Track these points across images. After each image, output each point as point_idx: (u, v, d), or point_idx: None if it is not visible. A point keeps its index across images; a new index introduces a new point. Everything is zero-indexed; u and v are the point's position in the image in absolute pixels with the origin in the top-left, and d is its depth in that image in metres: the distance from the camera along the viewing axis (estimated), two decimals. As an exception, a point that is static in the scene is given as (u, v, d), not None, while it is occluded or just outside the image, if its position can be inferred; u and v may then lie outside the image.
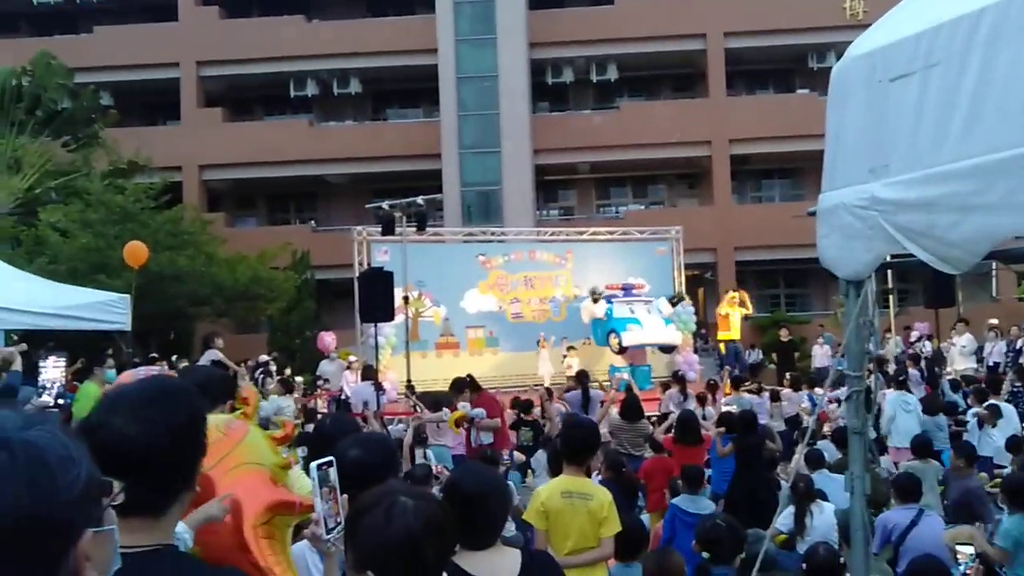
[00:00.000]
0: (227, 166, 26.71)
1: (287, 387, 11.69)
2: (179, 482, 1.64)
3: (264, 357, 15.44)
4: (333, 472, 1.99)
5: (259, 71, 27.17)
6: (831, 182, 3.08)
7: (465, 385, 8.77)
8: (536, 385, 15.60)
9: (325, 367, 15.33)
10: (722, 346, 19.38)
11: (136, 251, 10.51)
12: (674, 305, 17.87)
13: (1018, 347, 14.88)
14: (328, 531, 1.96)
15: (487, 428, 8.14)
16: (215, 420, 2.29)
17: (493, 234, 19.91)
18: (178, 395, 1.70)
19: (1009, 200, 2.29)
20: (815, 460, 7.00)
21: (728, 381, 13.59)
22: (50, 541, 0.94)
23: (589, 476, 4.35)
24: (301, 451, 2.70)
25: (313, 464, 2.00)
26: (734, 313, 18.69)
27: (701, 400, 10.90)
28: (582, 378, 11.13)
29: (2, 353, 7.47)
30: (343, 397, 13.59)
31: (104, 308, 8.80)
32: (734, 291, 19.75)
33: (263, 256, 20.69)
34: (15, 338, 8.11)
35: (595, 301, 17.44)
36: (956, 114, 2.48)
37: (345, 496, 2.00)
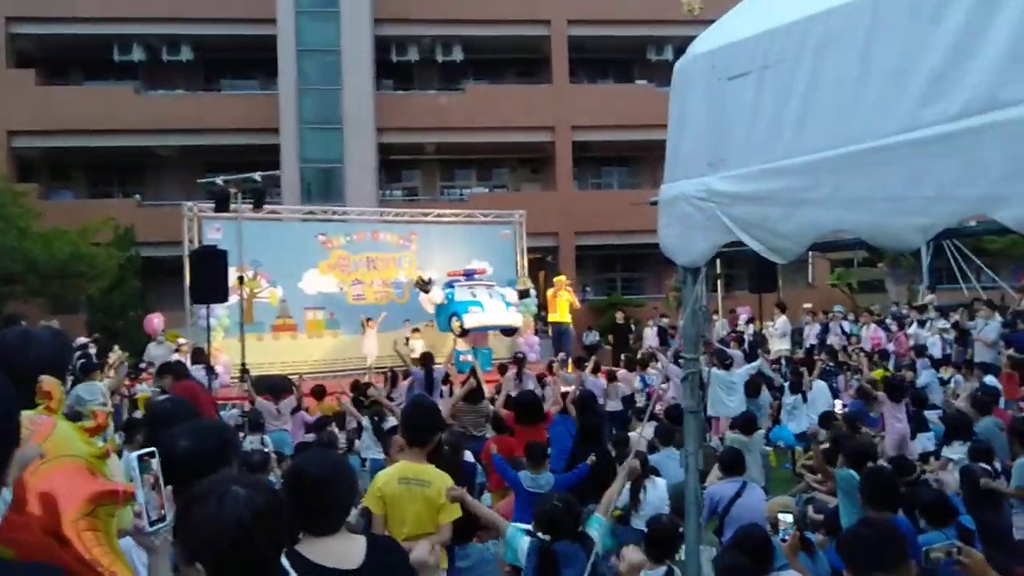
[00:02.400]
0: (40, 133, 24.61)
1: (86, 371, 10.63)
2: None
3: (83, 339, 14.41)
4: (155, 462, 1.89)
5: (78, 32, 25.15)
6: (672, 174, 3.20)
7: (168, 370, 8.42)
8: (377, 368, 15.47)
9: (153, 351, 14.52)
10: (549, 328, 19.73)
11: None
12: (522, 298, 18.14)
13: (828, 329, 16.20)
14: (151, 523, 1.86)
15: None
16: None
17: (335, 213, 19.46)
18: None
19: (835, 196, 2.45)
20: (664, 436, 7.34)
21: (559, 363, 13.99)
22: None
23: (432, 460, 4.34)
24: (119, 436, 2.54)
25: (133, 455, 1.90)
26: (561, 296, 19.01)
27: (540, 380, 11.15)
28: (426, 360, 11.11)
29: None
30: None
31: None
32: (560, 277, 20.04)
33: (84, 231, 19.26)
34: None
35: (425, 291, 17.31)
36: (788, 113, 2.63)
37: (170, 488, 1.90)
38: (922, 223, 2.18)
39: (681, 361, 3.32)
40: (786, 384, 10.79)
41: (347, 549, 2.46)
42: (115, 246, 20.64)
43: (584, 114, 26.38)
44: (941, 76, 2.11)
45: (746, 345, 14.03)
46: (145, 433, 2.99)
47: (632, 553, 3.30)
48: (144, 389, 12.18)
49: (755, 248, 2.75)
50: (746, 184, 2.78)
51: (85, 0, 24.56)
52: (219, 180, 14.47)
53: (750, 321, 17.81)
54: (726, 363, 9.98)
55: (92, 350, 13.99)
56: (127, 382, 13.06)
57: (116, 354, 10.53)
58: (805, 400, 10.26)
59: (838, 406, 9.97)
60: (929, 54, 2.13)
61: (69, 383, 10.42)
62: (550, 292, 19.49)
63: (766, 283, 14.83)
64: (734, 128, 2.88)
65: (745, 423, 8.14)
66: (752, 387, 9.86)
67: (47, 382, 2.10)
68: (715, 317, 17.68)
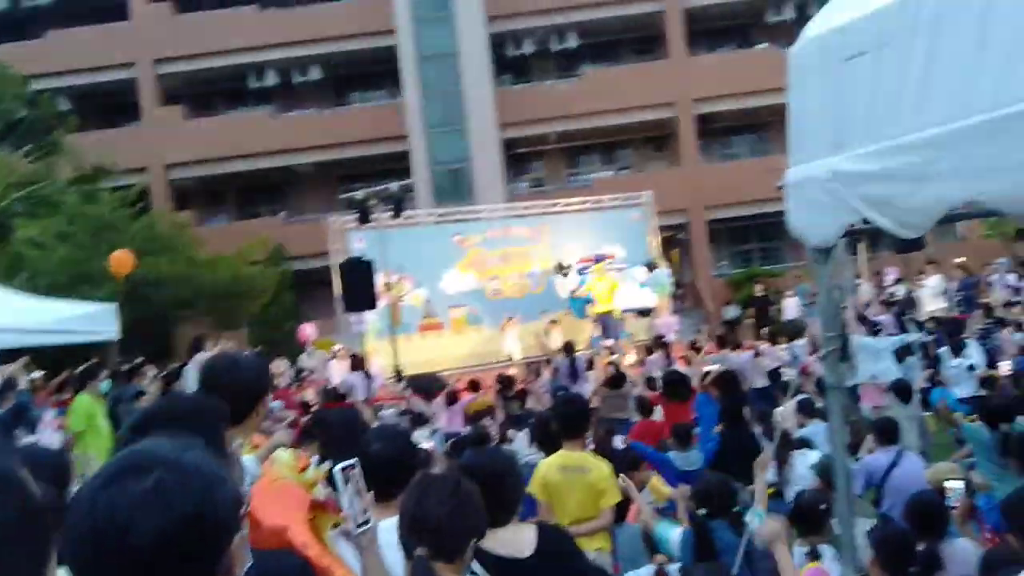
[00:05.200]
0: (193, 163, 26.49)
1: None
2: None
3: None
4: (357, 472, 2.17)
5: (216, 65, 26.89)
6: (796, 157, 3.27)
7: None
8: (522, 359, 15.82)
9: (305, 361, 15.43)
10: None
11: (122, 260, 10.40)
12: (651, 271, 18.03)
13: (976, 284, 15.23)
14: (357, 526, 2.15)
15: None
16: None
17: (467, 213, 19.99)
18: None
19: (962, 168, 2.48)
20: (808, 410, 7.27)
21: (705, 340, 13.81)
22: (216, 543, 1.14)
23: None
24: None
25: (337, 468, 2.18)
26: (601, 283, 17.61)
27: (686, 362, 11.15)
28: (568, 349, 11.35)
29: (5, 371, 7.48)
30: (330, 387, 13.75)
31: (91, 319, 8.87)
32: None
33: (242, 254, 20.67)
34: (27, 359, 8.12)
35: (564, 275, 17.54)
36: (908, 89, 2.67)
37: (371, 493, 2.18)
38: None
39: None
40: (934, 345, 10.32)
41: (519, 538, 2.68)
42: (268, 263, 21.99)
43: (705, 85, 25.87)
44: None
45: (895, 309, 13.47)
46: (321, 440, 3.34)
47: (770, 523, 3.38)
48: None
49: (884, 226, 2.80)
50: (870, 163, 2.83)
51: (220, 35, 26.18)
52: (360, 194, 15.13)
53: (898, 282, 17.05)
54: (874, 330, 9.69)
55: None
56: (291, 390, 14.00)
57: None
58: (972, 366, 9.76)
59: (1005, 366, 9.47)
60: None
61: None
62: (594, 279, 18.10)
63: (912, 241, 14.10)
64: (854, 108, 2.93)
65: (900, 390, 7.93)
66: (899, 352, 9.52)
67: (257, 437, 2.49)
68: (859, 280, 17.00)
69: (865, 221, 2.97)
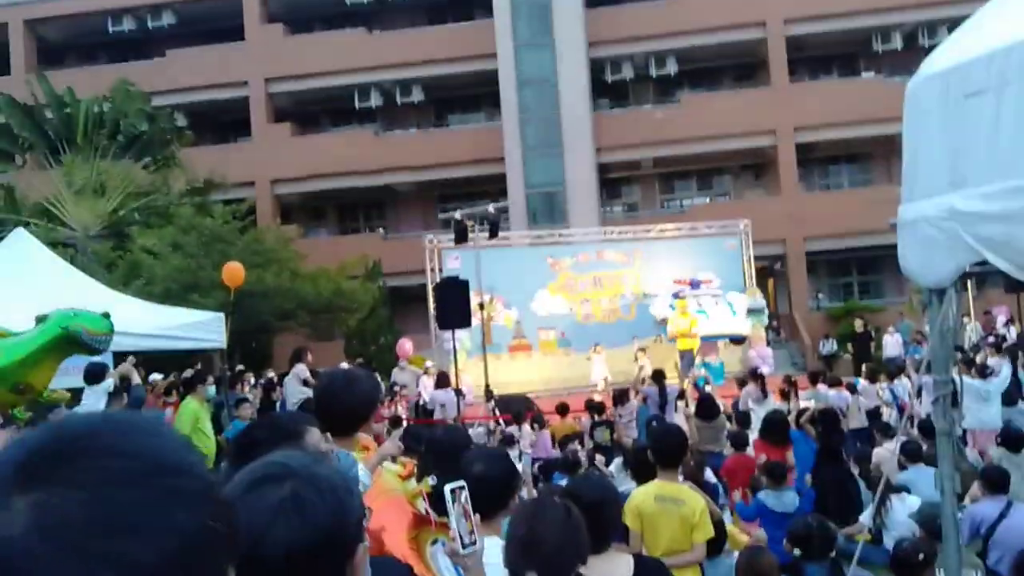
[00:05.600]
0: (298, 179, 27.43)
1: None
2: None
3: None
4: (465, 494, 2.24)
5: (324, 85, 27.85)
6: (910, 194, 3.20)
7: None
8: (612, 385, 15.73)
9: (397, 375, 15.74)
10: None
11: (234, 272, 10.93)
12: (749, 314, 17.69)
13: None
14: (464, 546, 2.21)
15: None
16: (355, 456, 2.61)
17: (561, 236, 20.09)
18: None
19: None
20: (912, 454, 7.00)
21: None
22: (344, 552, 1.21)
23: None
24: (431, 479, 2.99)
25: (447, 488, 2.25)
26: (683, 320, 16.95)
27: (784, 396, 10.84)
28: (658, 377, 11.25)
29: (121, 370, 7.97)
30: (421, 403, 14.00)
31: (201, 327, 9.30)
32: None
33: (343, 269, 21.27)
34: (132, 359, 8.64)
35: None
36: (1031, 130, 2.61)
37: (478, 515, 2.24)
38: None
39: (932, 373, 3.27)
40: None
41: (617, 566, 2.70)
42: (366, 278, 22.56)
43: (807, 114, 25.34)
44: None
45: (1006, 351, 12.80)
46: (426, 459, 3.42)
47: None
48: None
49: (1003, 267, 2.73)
50: (991, 203, 2.75)
51: (328, 56, 27.14)
52: (458, 215, 15.41)
53: (1009, 323, 16.27)
54: (984, 373, 9.27)
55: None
56: (382, 404, 14.30)
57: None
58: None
59: None
60: None
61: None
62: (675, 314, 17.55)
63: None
64: (974, 146, 2.86)
65: (1010, 438, 7.56)
66: (1006, 395, 9.09)
67: (366, 440, 2.57)
68: (965, 320, 16.30)
69: (981, 262, 2.90)
